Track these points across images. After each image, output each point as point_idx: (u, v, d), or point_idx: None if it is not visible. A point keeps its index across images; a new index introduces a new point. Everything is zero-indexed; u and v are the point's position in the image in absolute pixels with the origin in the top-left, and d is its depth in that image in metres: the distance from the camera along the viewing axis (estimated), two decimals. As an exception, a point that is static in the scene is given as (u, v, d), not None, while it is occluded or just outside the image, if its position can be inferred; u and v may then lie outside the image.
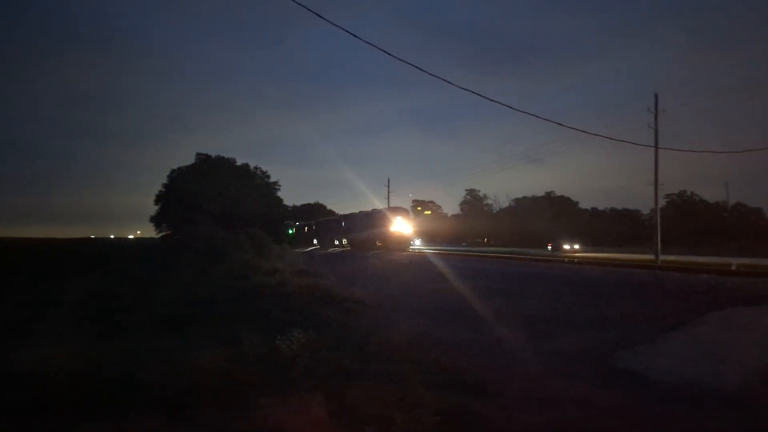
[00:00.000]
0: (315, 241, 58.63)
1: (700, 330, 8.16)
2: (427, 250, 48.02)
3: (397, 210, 44.89)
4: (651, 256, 32.68)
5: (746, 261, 25.25)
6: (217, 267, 21.78)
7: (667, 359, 7.57)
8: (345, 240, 51.06)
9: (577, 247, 49.38)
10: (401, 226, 42.85)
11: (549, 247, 52.47)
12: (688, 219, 59.06)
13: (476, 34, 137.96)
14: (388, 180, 72.78)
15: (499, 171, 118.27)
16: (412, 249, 44.59)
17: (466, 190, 34.38)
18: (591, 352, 8.36)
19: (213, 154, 60.27)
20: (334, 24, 7.99)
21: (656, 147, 34.96)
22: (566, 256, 37.42)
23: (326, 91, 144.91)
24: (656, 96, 35.63)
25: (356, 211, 53.50)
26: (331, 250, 47.78)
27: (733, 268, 19.62)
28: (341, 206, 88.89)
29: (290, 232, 66.34)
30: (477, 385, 6.53)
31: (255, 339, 8.32)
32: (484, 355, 8.53)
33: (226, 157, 60.50)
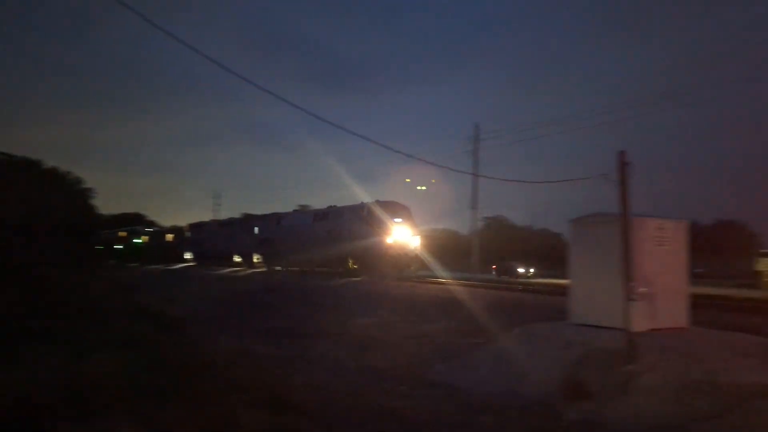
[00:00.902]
0: (188, 255, 40.97)
1: (508, 344, 8.83)
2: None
3: (393, 206, 26.08)
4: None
5: (549, 281, 28.13)
6: (11, 281, 19.26)
7: (477, 372, 8.09)
8: (258, 255, 32.72)
9: (532, 271, 39.77)
10: (402, 234, 25.00)
11: (493, 271, 40.71)
12: (502, 240, 64.73)
13: (318, 52, 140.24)
14: (216, 191, 66.00)
15: (331, 188, 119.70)
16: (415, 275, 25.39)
17: (299, 205, 33.36)
18: (410, 367, 8.69)
19: (16, 154, 53.60)
20: (161, 28, 7.49)
21: (475, 174, 37.90)
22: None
23: (146, 95, 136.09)
24: (477, 126, 38.71)
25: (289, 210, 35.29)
26: (227, 270, 30.07)
27: (538, 287, 21.35)
28: (163, 217, 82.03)
29: (137, 242, 48.96)
30: (298, 402, 6.45)
31: (57, 359, 7.46)
32: (307, 371, 8.48)
33: (31, 158, 53.88)
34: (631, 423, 5.84)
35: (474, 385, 7.60)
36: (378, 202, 26.37)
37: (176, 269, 33.07)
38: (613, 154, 7.65)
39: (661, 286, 8.13)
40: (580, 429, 5.86)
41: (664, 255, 8.46)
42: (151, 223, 65.92)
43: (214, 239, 38.43)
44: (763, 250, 33.34)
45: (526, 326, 9.47)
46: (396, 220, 25.14)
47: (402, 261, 24.81)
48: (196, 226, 43.66)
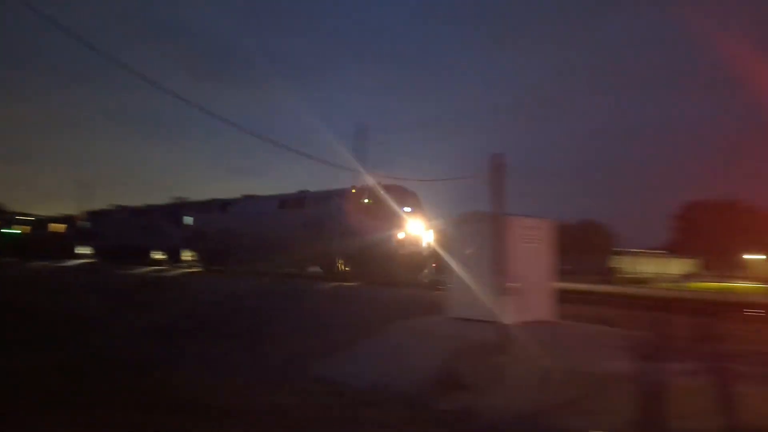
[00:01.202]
0: (86, 250, 34.98)
1: (387, 338, 9.01)
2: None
3: (399, 192, 20.24)
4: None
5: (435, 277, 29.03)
6: None
7: (358, 366, 8.20)
8: (191, 252, 27.47)
9: None
10: (414, 228, 20.20)
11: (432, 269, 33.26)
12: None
13: (206, 43, 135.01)
14: (85, 181, 60.70)
15: (210, 180, 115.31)
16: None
17: (175, 197, 30.88)
18: (294, 362, 8.69)
19: None
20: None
21: (363, 172, 38.31)
22: None
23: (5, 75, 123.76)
24: (363, 124, 39.19)
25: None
26: (146, 270, 23.80)
27: (425, 281, 20.92)
28: (22, 206, 74.15)
29: (11, 232, 40.41)
30: (189, 402, 6.38)
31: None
32: (196, 370, 8.28)
33: None
34: (501, 412, 6.17)
35: (354, 379, 7.68)
36: (381, 185, 20.38)
37: (73, 267, 27.06)
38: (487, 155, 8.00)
39: (530, 282, 8.63)
40: (454, 419, 6.10)
41: (532, 252, 8.99)
42: (11, 213, 59.01)
43: (124, 231, 31.81)
44: (616, 249, 36.63)
45: (405, 320, 9.69)
46: (405, 209, 20.09)
47: (415, 262, 20.17)
48: (96, 215, 36.52)
